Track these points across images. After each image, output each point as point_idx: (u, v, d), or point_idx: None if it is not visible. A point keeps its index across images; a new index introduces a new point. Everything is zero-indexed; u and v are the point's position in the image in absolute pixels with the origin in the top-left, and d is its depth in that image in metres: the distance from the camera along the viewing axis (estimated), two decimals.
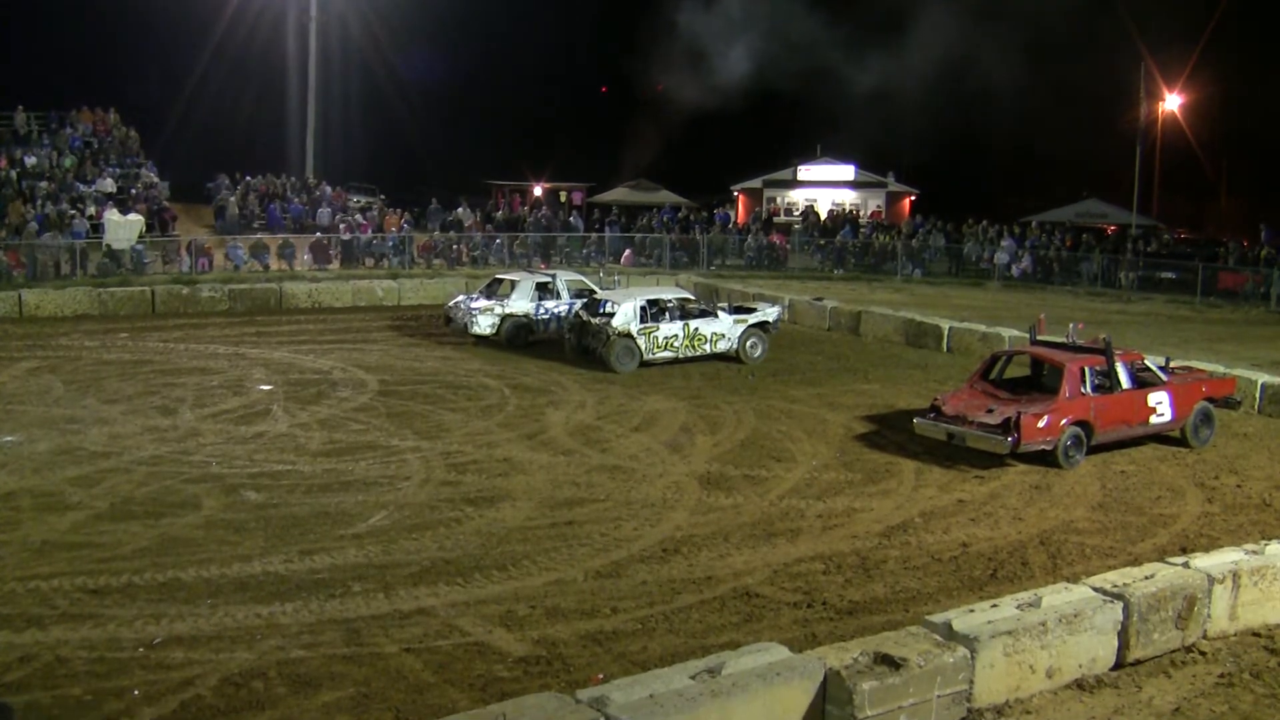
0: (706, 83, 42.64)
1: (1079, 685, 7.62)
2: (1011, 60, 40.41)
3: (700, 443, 14.46)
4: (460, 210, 36.59)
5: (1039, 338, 15.48)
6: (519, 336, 21.47)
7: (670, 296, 20.35)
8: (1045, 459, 13.42)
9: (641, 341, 19.16)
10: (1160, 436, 14.71)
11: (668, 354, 19.49)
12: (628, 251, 34.95)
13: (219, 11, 42.70)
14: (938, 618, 7.43)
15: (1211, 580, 8.37)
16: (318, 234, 32.58)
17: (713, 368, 19.63)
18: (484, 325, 21.39)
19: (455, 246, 33.20)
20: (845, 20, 42.19)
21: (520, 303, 21.61)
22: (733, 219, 42.60)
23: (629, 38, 49.08)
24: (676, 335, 19.50)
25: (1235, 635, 8.49)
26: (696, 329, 19.69)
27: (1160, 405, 14.24)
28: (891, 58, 42.54)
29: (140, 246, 28.77)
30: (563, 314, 21.45)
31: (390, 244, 32.28)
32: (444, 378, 18.42)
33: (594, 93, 63.96)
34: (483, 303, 21.80)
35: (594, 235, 35.90)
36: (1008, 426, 13.12)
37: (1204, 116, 45.00)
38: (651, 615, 8.97)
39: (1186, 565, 8.60)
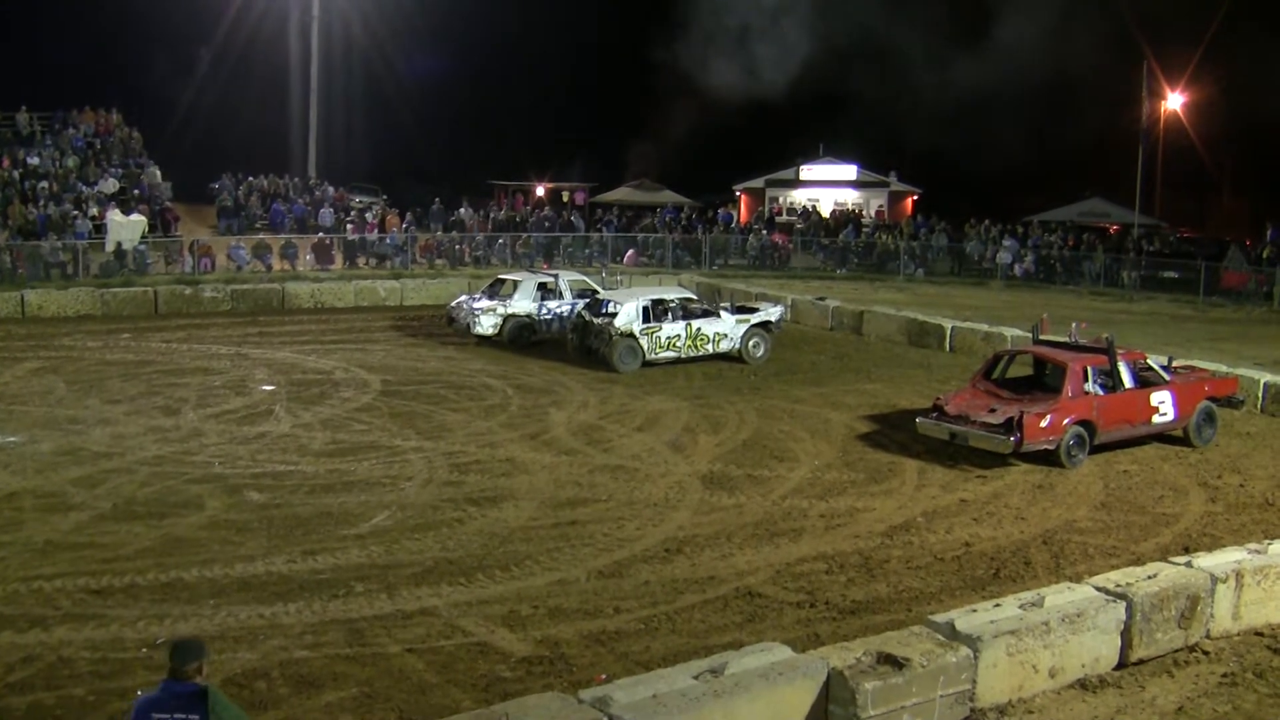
0: (713, 82, 42.73)
1: (1082, 685, 7.63)
2: (1015, 58, 40.46)
3: (703, 442, 14.45)
4: (463, 210, 36.59)
5: (1041, 337, 15.47)
6: (521, 337, 21.47)
7: (673, 296, 20.34)
8: (1048, 458, 13.41)
9: (644, 341, 19.15)
10: (1163, 436, 14.70)
11: (670, 354, 19.48)
12: (630, 251, 34.92)
13: (221, 12, 42.76)
14: (940, 617, 7.44)
15: (1214, 580, 8.37)
16: (320, 234, 32.59)
17: (715, 367, 19.62)
18: (486, 325, 21.39)
19: (458, 246, 33.20)
20: (848, 19, 42.27)
21: (523, 303, 21.61)
22: (735, 219, 42.57)
23: (633, 39, 49.13)
24: (679, 335, 19.49)
25: (1238, 635, 8.50)
26: (699, 329, 19.68)
27: (1163, 404, 14.23)
28: (892, 57, 42.64)
29: (143, 247, 28.78)
30: (565, 314, 21.43)
31: (392, 244, 32.27)
32: (446, 378, 18.42)
33: (598, 92, 63.90)
34: (485, 303, 21.80)
35: (596, 235, 35.88)
36: (1010, 426, 13.11)
37: (1207, 115, 44.89)
38: (654, 615, 8.97)
39: (1189, 565, 8.60)
